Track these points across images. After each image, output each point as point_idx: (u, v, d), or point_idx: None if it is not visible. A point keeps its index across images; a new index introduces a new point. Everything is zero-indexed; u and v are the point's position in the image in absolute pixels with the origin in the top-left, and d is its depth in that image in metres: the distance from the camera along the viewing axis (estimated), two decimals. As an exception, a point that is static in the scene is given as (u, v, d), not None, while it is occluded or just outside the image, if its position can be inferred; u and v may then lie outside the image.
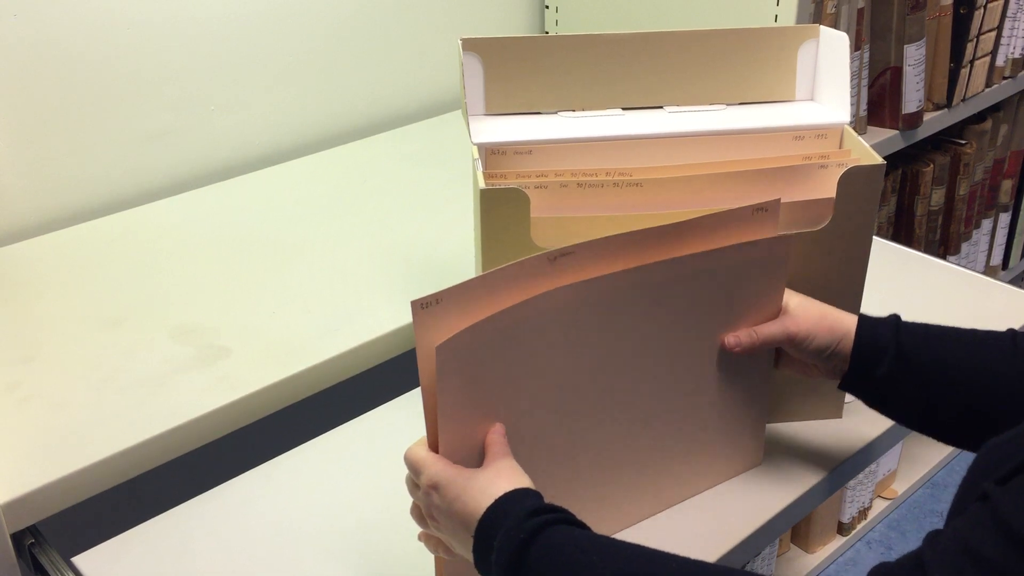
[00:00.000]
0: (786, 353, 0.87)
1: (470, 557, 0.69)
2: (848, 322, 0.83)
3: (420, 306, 0.70)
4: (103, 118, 1.30)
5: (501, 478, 0.69)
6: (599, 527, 0.70)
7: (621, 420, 0.83)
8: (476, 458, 0.74)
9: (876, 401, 0.84)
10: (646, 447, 0.85)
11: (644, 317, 0.80)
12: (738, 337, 0.84)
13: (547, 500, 0.69)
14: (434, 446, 0.73)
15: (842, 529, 1.95)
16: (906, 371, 0.81)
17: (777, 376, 0.90)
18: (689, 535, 0.85)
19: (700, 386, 0.86)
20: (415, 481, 0.73)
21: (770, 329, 0.84)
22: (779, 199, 0.82)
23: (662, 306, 0.81)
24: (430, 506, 0.72)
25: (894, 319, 0.83)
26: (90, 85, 1.28)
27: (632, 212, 0.86)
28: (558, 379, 0.78)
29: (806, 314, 0.84)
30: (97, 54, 1.27)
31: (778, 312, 0.85)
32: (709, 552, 0.84)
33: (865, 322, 0.82)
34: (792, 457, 0.93)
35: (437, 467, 0.71)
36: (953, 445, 0.83)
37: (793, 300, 0.85)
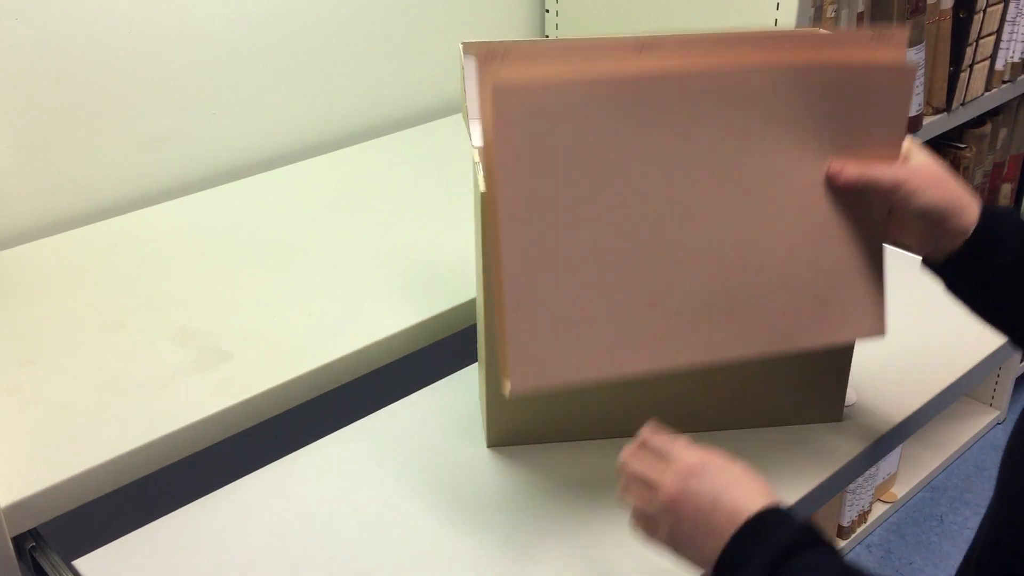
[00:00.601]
0: (891, 213, 0.81)
1: (697, 552, 0.67)
2: (969, 198, 0.78)
3: (486, 57, 0.63)
4: (105, 121, 1.31)
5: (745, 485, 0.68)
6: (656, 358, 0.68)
7: (695, 249, 0.74)
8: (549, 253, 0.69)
9: (972, 290, 0.80)
10: (720, 282, 0.76)
11: (733, 132, 0.72)
12: (844, 166, 0.77)
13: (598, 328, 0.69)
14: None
15: (842, 532, 1.95)
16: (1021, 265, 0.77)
17: (777, 378, 0.90)
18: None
19: (795, 228, 0.76)
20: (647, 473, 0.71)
21: (881, 169, 0.77)
22: (907, 29, 0.73)
23: (755, 123, 0.72)
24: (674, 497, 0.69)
25: (1016, 211, 0.78)
26: (92, 88, 1.28)
27: (634, 72, 0.73)
28: (628, 184, 0.69)
29: (926, 169, 0.78)
30: (99, 57, 1.27)
31: (895, 159, 0.79)
32: (709, 555, 0.84)
33: (989, 206, 0.78)
34: (792, 460, 0.93)
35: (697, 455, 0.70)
36: None
37: (918, 155, 0.79)
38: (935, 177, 0.78)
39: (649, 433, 0.74)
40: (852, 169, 0.78)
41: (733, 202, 0.75)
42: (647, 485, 0.71)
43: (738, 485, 0.68)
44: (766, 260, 0.77)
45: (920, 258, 0.84)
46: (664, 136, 0.70)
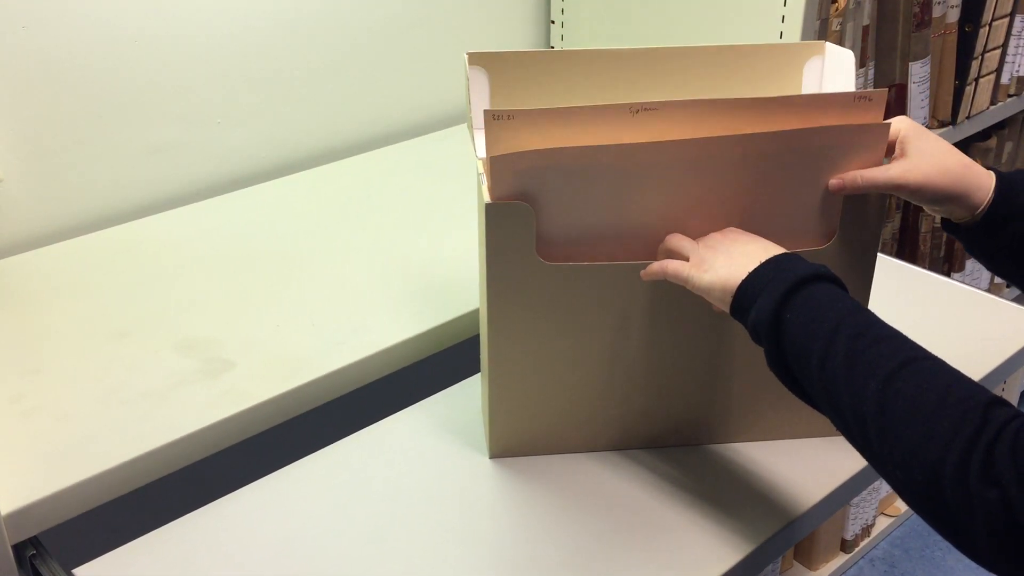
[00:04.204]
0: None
1: (745, 265, 0.77)
2: (978, 174, 0.81)
3: (492, 117, 0.70)
4: (109, 130, 1.31)
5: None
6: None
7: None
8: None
9: (988, 254, 0.84)
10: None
11: (722, 189, 0.79)
12: (843, 179, 0.82)
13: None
14: None
15: (845, 546, 1.94)
16: None
17: (780, 391, 0.89)
18: (692, 552, 0.85)
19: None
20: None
21: (880, 172, 0.81)
22: (886, 90, 0.81)
23: (742, 181, 0.79)
24: (724, 233, 0.81)
25: None
26: (96, 97, 1.28)
27: (630, 138, 0.81)
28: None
29: (927, 159, 0.81)
30: (105, 66, 1.27)
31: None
32: (711, 569, 0.83)
33: (1006, 175, 0.81)
34: (795, 474, 0.93)
35: None
36: None
37: (915, 140, 0.82)
38: (937, 165, 0.80)
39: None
40: (849, 180, 0.81)
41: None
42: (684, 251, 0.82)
43: (769, 243, 0.80)
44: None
45: (925, 274, 0.86)
46: (656, 196, 0.79)
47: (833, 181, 0.83)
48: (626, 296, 0.87)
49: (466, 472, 0.94)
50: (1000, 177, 0.82)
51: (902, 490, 0.68)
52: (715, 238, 0.82)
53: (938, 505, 0.64)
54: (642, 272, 0.85)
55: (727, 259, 0.79)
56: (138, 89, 1.31)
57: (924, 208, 0.87)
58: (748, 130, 0.81)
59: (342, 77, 1.51)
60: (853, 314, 0.73)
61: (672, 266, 0.83)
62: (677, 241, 0.84)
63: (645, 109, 0.77)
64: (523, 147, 0.73)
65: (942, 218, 0.86)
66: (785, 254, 0.78)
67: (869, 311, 0.74)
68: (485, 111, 0.76)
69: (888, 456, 0.68)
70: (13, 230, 1.27)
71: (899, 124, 0.84)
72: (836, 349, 0.71)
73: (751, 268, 0.77)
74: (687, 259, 0.82)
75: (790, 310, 0.74)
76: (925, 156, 0.81)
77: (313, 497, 0.91)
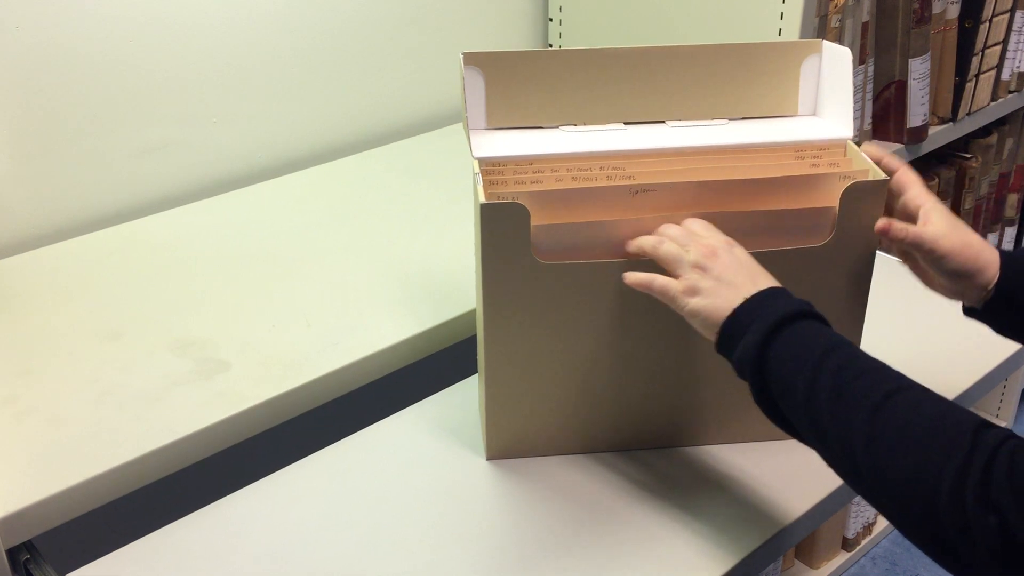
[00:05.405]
0: (911, 258, 0.90)
1: (730, 299, 0.78)
2: (988, 252, 0.85)
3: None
4: (104, 130, 1.30)
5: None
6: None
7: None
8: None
9: (1013, 329, 0.87)
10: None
11: None
12: (891, 224, 0.85)
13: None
14: None
15: (847, 544, 1.94)
16: None
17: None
18: (693, 551, 0.85)
19: None
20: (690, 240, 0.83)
21: (920, 234, 0.85)
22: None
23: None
24: (715, 251, 0.81)
25: None
26: (92, 97, 1.28)
27: (628, 216, 0.86)
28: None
29: (952, 233, 0.85)
30: (100, 66, 1.27)
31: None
32: (712, 568, 0.83)
33: (1006, 253, 0.86)
34: (796, 474, 0.93)
35: None
36: None
37: (939, 217, 0.86)
38: (960, 240, 0.85)
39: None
40: (898, 227, 0.85)
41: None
42: (682, 244, 0.83)
43: (758, 267, 0.82)
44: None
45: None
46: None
47: (880, 222, 0.86)
48: (624, 296, 0.87)
49: (463, 474, 0.93)
50: (1002, 252, 0.87)
51: (899, 522, 0.68)
52: (706, 257, 0.81)
53: (936, 535, 0.65)
54: (626, 276, 0.84)
55: (715, 286, 0.79)
56: (132, 90, 1.31)
57: (942, 292, 0.90)
58: (740, 208, 0.86)
59: (339, 76, 1.50)
60: (837, 348, 0.74)
61: (659, 283, 0.82)
62: (668, 252, 0.83)
63: (644, 191, 0.84)
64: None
65: (963, 307, 0.90)
66: (771, 289, 0.79)
67: (853, 345, 0.75)
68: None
69: (881, 488, 0.68)
70: (6, 231, 1.26)
71: (923, 198, 0.87)
72: (821, 383, 0.72)
73: (736, 303, 0.78)
74: (676, 274, 0.82)
75: (774, 347, 0.75)
76: (951, 228, 0.85)
77: (310, 500, 0.91)
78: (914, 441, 0.66)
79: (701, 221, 0.85)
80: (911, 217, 0.87)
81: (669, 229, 0.85)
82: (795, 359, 0.74)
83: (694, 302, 0.80)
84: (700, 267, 0.80)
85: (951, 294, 0.89)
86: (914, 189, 0.88)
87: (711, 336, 0.80)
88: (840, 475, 0.73)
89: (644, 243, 0.84)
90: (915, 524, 0.66)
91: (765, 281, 0.80)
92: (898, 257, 0.93)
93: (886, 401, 0.69)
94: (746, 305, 0.78)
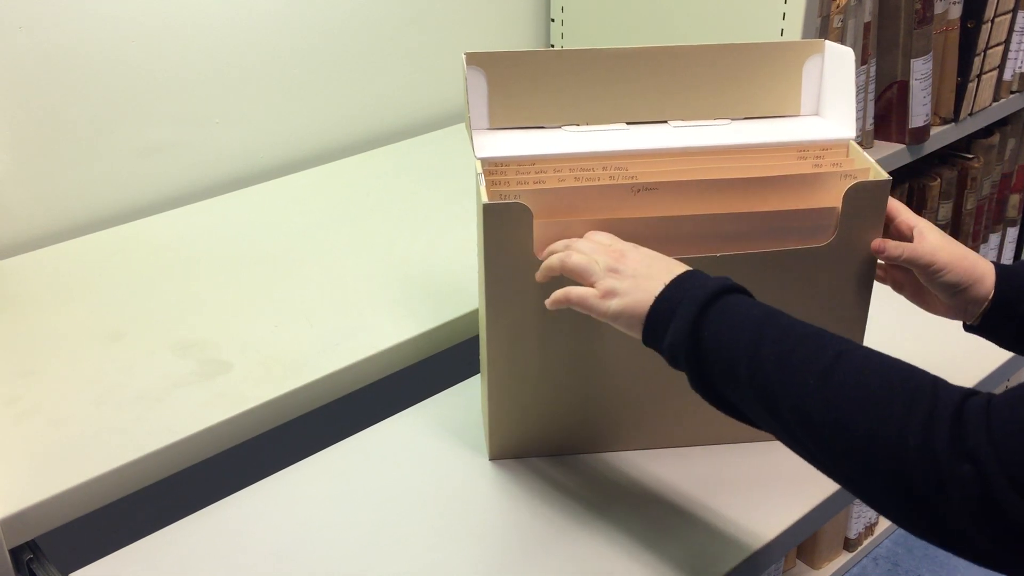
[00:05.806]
0: (908, 280, 0.91)
1: (649, 290, 0.77)
2: (983, 265, 0.87)
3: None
4: (106, 130, 1.30)
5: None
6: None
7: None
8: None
9: (1014, 341, 0.88)
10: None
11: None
12: (885, 243, 0.87)
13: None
14: None
15: (848, 545, 1.94)
16: None
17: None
18: (695, 551, 0.85)
19: None
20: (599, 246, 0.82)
21: (915, 249, 0.86)
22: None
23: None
24: (623, 253, 0.80)
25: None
26: (93, 97, 1.28)
27: (630, 215, 0.86)
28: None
29: (947, 248, 0.87)
30: (101, 67, 1.27)
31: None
32: (714, 568, 0.83)
33: (1001, 267, 0.87)
34: (797, 475, 0.92)
35: None
36: None
37: (932, 234, 0.88)
38: (956, 253, 0.86)
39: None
40: (893, 245, 0.87)
41: None
42: (588, 255, 0.81)
43: (669, 259, 0.81)
44: None
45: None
46: None
47: (876, 241, 0.87)
48: None
49: (465, 474, 0.93)
50: (997, 266, 0.87)
51: (864, 487, 0.66)
52: (616, 260, 0.80)
53: (910, 491, 0.63)
54: (547, 301, 0.82)
55: (632, 283, 0.78)
56: (134, 90, 1.31)
57: (941, 313, 0.91)
58: (743, 208, 0.86)
59: (341, 76, 1.50)
60: (771, 318, 0.73)
61: (576, 293, 0.80)
62: (577, 263, 0.80)
63: (646, 189, 0.84)
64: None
65: (964, 325, 0.90)
66: (688, 272, 0.78)
67: (785, 314, 0.74)
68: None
69: (843, 453, 0.67)
70: (8, 232, 1.26)
71: (915, 219, 0.89)
72: (763, 355, 0.70)
73: (657, 292, 0.76)
74: (590, 283, 0.80)
75: (707, 326, 0.73)
76: (946, 242, 0.87)
77: (312, 500, 0.91)
78: (873, 397, 0.65)
79: (604, 232, 0.84)
80: (905, 238, 0.88)
81: (574, 243, 0.83)
82: (732, 333, 0.72)
83: (614, 303, 0.78)
84: (612, 270, 0.79)
85: (950, 313, 0.90)
86: (905, 213, 0.89)
87: (636, 332, 0.78)
88: (796, 449, 0.71)
89: (551, 262, 0.82)
90: (883, 486, 0.64)
91: (680, 267, 0.79)
92: (892, 287, 0.94)
93: (836, 363, 0.68)
94: (667, 291, 0.76)
